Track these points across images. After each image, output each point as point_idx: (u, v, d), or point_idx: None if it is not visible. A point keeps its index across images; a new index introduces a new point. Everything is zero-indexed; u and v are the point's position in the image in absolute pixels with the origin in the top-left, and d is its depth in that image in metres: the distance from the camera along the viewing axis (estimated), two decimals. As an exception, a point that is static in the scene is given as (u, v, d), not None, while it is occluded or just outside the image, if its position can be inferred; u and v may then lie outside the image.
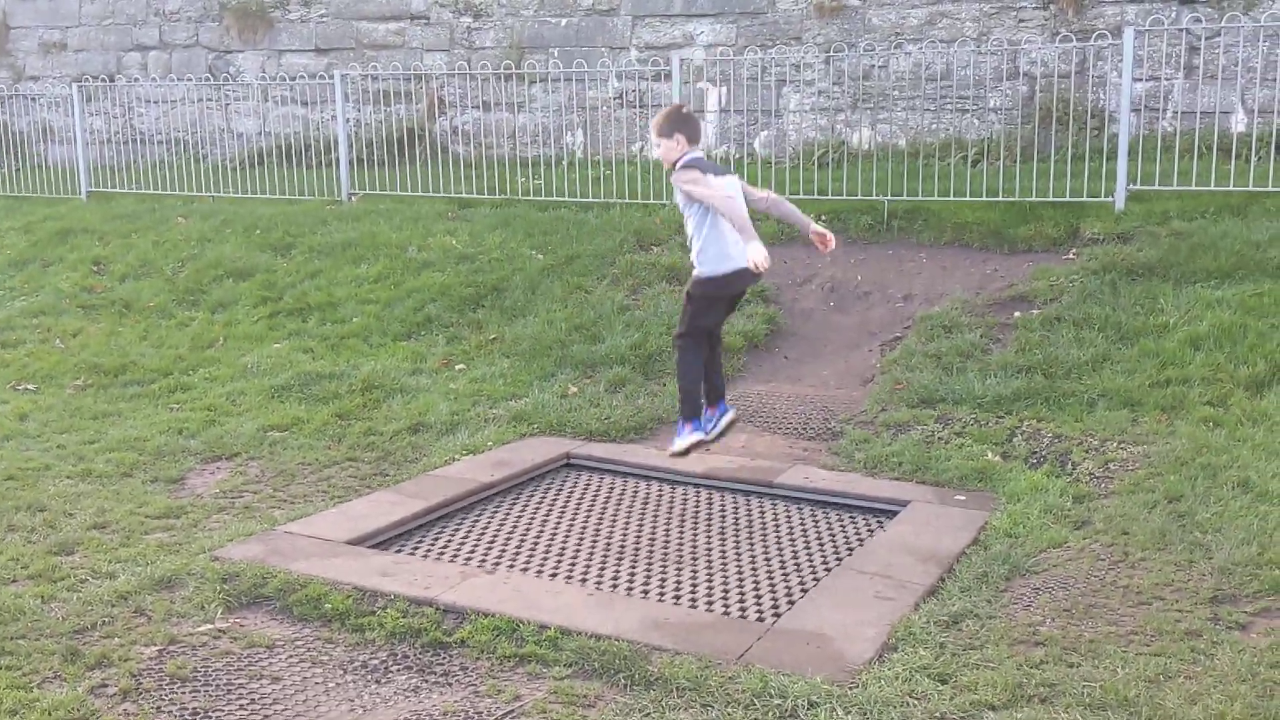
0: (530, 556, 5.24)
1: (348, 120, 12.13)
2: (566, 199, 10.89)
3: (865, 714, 3.67)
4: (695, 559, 5.19)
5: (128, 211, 12.18)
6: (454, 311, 8.85)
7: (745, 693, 3.79)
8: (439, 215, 10.86)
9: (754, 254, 5.14)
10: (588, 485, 6.22)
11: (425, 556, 5.23)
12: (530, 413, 7.04)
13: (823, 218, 9.63)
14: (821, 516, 5.72)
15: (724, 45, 12.79)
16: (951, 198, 9.47)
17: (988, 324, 7.64)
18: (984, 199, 9.37)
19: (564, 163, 12.23)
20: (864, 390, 7.29)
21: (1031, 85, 11.30)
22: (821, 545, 5.35)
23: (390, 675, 4.06)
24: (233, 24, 15.53)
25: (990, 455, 6.11)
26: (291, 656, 4.19)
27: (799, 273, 8.99)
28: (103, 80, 14.84)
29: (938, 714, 3.67)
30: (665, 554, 5.25)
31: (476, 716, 3.75)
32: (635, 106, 12.93)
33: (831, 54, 11.65)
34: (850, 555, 5.14)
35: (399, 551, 5.28)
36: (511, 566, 5.12)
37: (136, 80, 15.54)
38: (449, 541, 5.43)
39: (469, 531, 5.56)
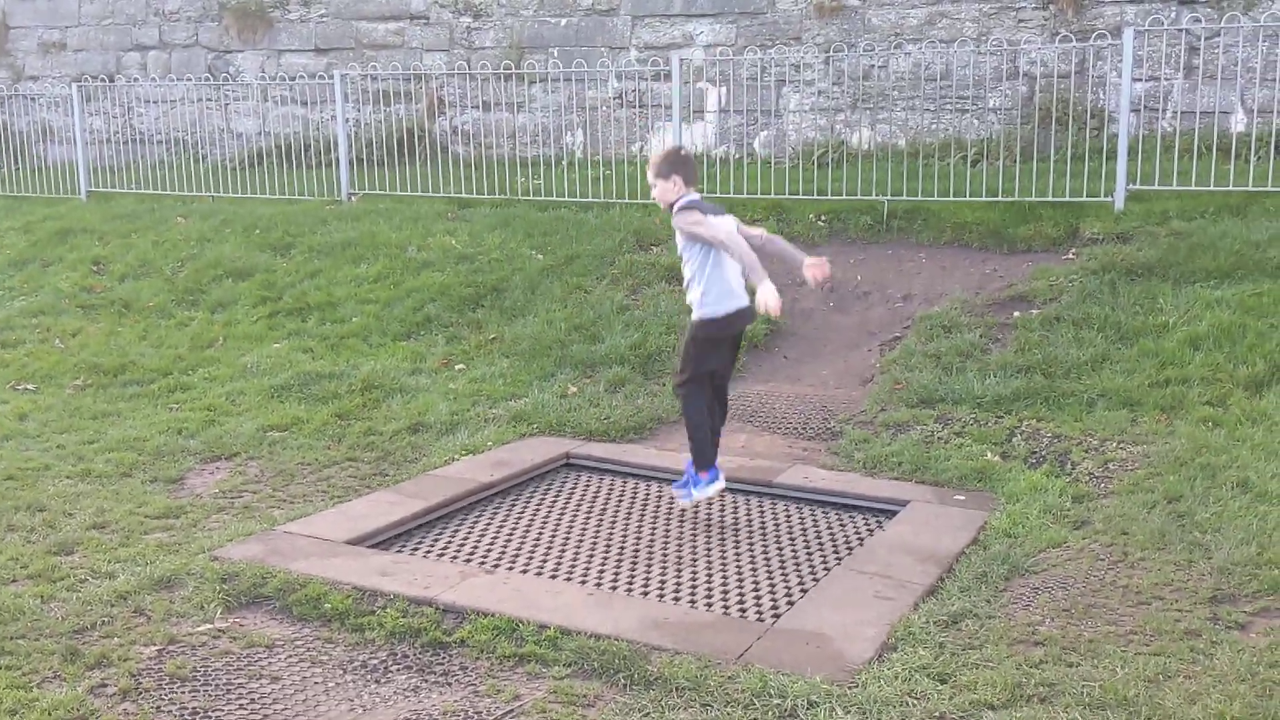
0: (530, 556, 5.24)
1: (347, 120, 12.13)
2: (566, 199, 10.89)
3: (865, 713, 3.67)
4: (695, 559, 5.19)
5: (127, 211, 12.18)
6: (454, 311, 8.85)
7: (745, 692, 3.79)
8: (438, 215, 10.87)
9: (767, 297, 5.00)
10: (587, 485, 6.22)
11: (425, 556, 5.23)
12: (530, 413, 7.04)
13: (822, 217, 9.64)
14: (821, 516, 5.72)
15: (724, 45, 12.79)
16: (951, 198, 9.47)
17: (987, 324, 7.64)
18: (983, 199, 9.37)
19: (564, 163, 12.23)
20: (863, 390, 7.29)
21: (1031, 85, 11.30)
22: (821, 545, 5.35)
23: (390, 675, 4.06)
24: (232, 24, 15.53)
25: (990, 455, 6.11)
26: (291, 656, 4.19)
27: (799, 272, 8.97)
28: (102, 80, 14.84)
29: (937, 713, 3.67)
30: (665, 554, 5.25)
31: (476, 716, 3.75)
32: (635, 106, 12.93)
33: (831, 54, 11.66)
34: (850, 555, 5.14)
35: (399, 551, 5.28)
36: (511, 566, 5.12)
37: (136, 80, 15.54)
38: (448, 541, 5.43)
39: (468, 531, 5.56)
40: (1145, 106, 10.82)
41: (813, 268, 5.35)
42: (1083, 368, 6.87)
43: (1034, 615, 4.35)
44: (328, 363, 8.10)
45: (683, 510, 5.75)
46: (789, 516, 5.72)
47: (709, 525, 5.58)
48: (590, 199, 10.81)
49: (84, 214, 12.16)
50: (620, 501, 5.95)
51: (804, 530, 5.54)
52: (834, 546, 5.33)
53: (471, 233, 10.19)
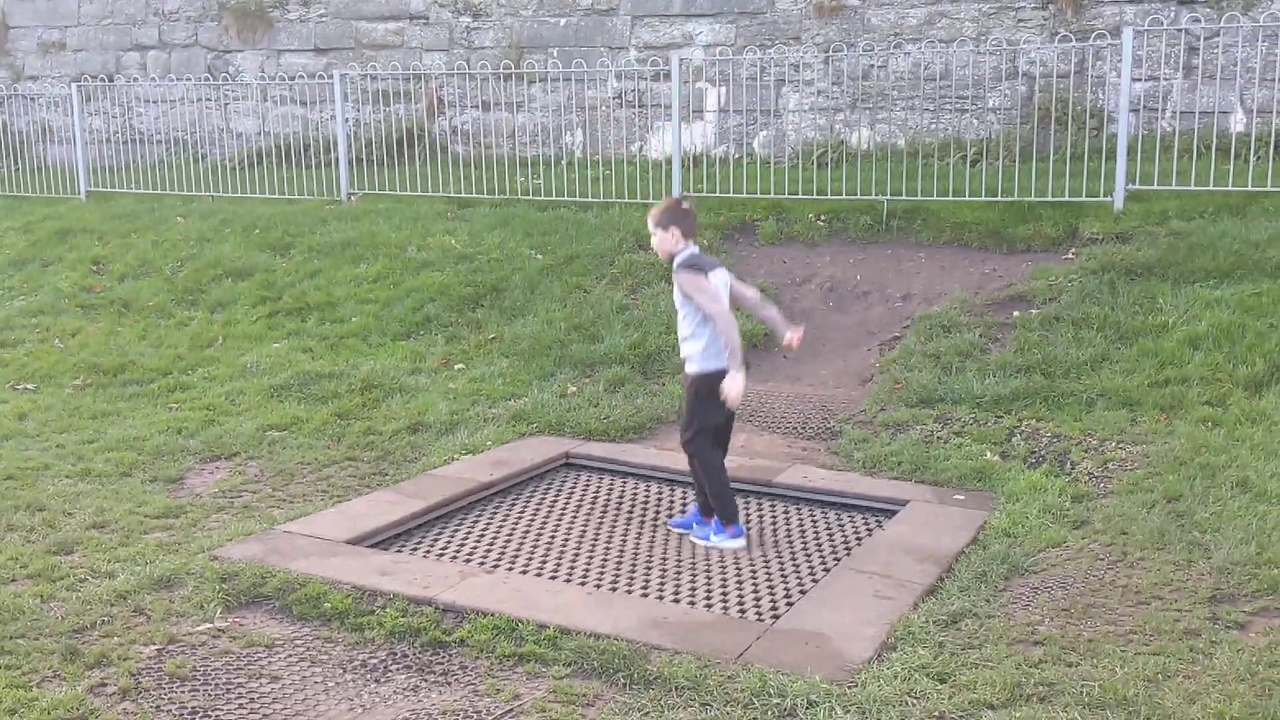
0: (529, 556, 5.24)
1: (347, 120, 12.13)
2: (566, 199, 10.89)
3: (864, 713, 3.67)
4: (694, 558, 5.19)
5: (127, 211, 12.18)
6: (453, 311, 8.85)
7: (744, 692, 3.79)
8: (438, 215, 10.87)
9: (730, 386, 5.05)
10: (587, 485, 6.22)
11: (424, 556, 5.23)
12: (529, 412, 7.05)
13: (822, 217, 9.64)
14: (820, 516, 5.72)
15: (723, 45, 12.79)
16: (950, 197, 9.47)
17: (986, 324, 7.64)
18: (983, 199, 9.37)
19: (563, 162, 12.23)
20: (863, 390, 7.30)
21: (1030, 85, 11.31)
22: (820, 545, 5.35)
23: (389, 674, 4.06)
24: (232, 24, 15.53)
25: (989, 455, 6.11)
26: (290, 656, 4.19)
27: (798, 272, 8.99)
28: (102, 80, 14.84)
29: (936, 713, 3.67)
30: (664, 553, 5.25)
31: (476, 715, 3.76)
32: (634, 106, 12.93)
33: (830, 54, 11.66)
34: (849, 555, 5.14)
35: (398, 551, 5.28)
36: (511, 566, 5.12)
37: (135, 80, 15.54)
38: (448, 541, 5.43)
39: (468, 531, 5.56)
40: (1145, 106, 10.82)
41: (792, 336, 5.44)
42: (1082, 367, 6.88)
43: (1033, 615, 4.35)
44: (327, 362, 8.10)
45: (681, 510, 5.75)
46: (788, 516, 5.72)
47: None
48: (590, 199, 10.81)
49: (83, 214, 12.16)
50: (620, 501, 5.95)
51: (803, 530, 5.54)
52: (833, 546, 5.33)
53: (471, 232, 10.19)
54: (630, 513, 5.77)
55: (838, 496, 5.84)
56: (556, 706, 3.78)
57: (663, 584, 4.90)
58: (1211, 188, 8.89)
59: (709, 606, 4.67)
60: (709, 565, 5.10)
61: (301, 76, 13.43)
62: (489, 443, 6.63)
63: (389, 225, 10.59)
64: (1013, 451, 6.15)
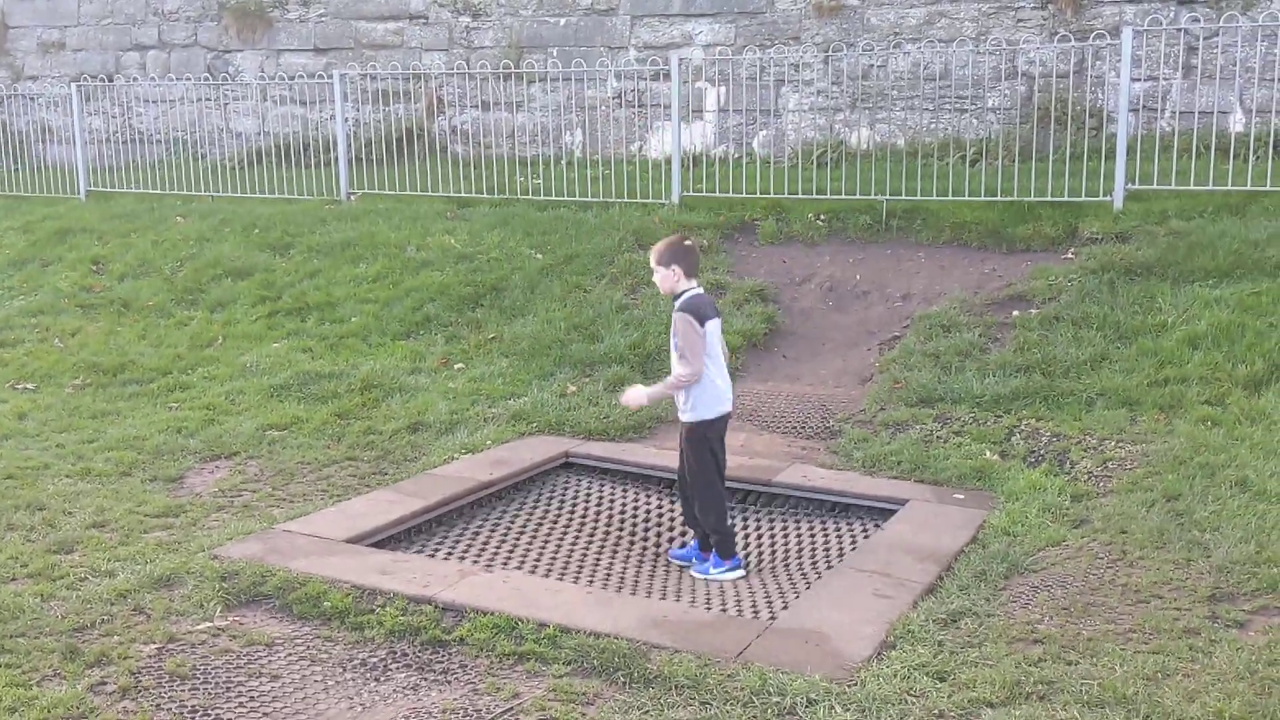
0: (529, 555, 5.24)
1: (346, 120, 12.13)
2: (565, 198, 10.89)
3: (864, 711, 3.68)
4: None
5: (126, 211, 12.18)
6: (453, 311, 8.85)
7: (744, 690, 3.80)
8: (438, 215, 10.87)
9: (630, 396, 5.23)
10: (587, 484, 6.22)
11: (424, 555, 5.24)
12: (529, 412, 7.05)
13: (821, 217, 9.65)
14: (820, 515, 5.73)
15: (723, 45, 12.79)
16: (950, 197, 9.47)
17: (986, 323, 7.64)
18: (982, 199, 9.38)
19: (563, 162, 12.23)
20: (862, 389, 7.30)
21: (1030, 85, 11.31)
22: (820, 544, 5.35)
23: (389, 673, 4.06)
24: (231, 24, 15.53)
25: (989, 454, 6.11)
26: (290, 654, 4.19)
27: (798, 272, 9.00)
28: (101, 80, 14.84)
29: (936, 711, 3.68)
30: (664, 552, 5.25)
31: (475, 714, 3.76)
32: (634, 106, 12.93)
33: (830, 54, 11.66)
34: (849, 554, 5.15)
35: (398, 550, 5.28)
36: (510, 565, 5.12)
37: (135, 80, 15.54)
38: (448, 540, 5.44)
39: (468, 530, 5.56)
40: (1144, 106, 10.83)
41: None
42: (1082, 367, 6.88)
43: (1033, 613, 4.35)
44: (327, 362, 8.10)
45: (682, 509, 5.74)
46: (788, 515, 5.72)
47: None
48: (589, 198, 10.81)
49: (83, 214, 12.16)
50: (619, 500, 5.96)
51: (803, 529, 5.54)
52: (833, 545, 5.34)
53: (471, 232, 10.19)
54: (629, 512, 5.78)
55: (837, 496, 5.85)
56: (556, 705, 3.78)
57: (663, 583, 4.90)
58: (1211, 187, 8.89)
59: (708, 605, 4.67)
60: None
61: (301, 76, 13.43)
62: (489, 442, 6.63)
63: (388, 225, 10.59)
64: (1012, 451, 6.15)
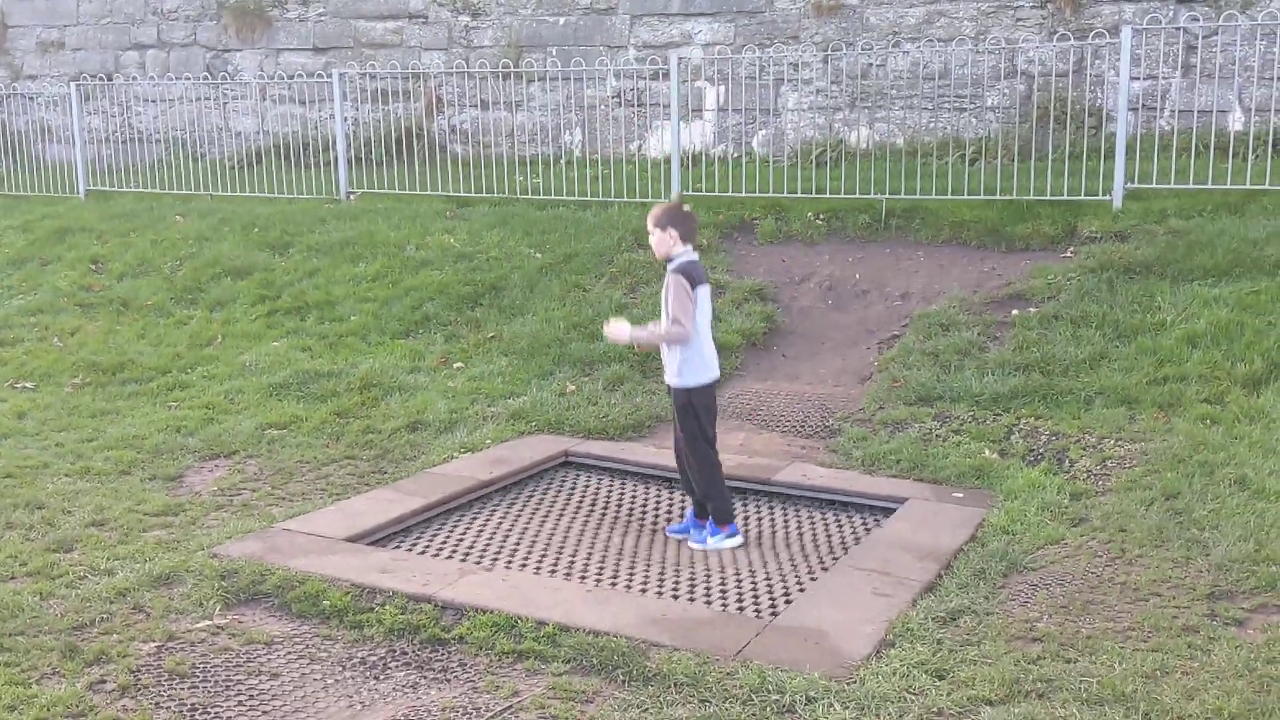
0: (528, 553, 5.24)
1: (346, 119, 12.13)
2: (565, 197, 10.89)
3: (863, 709, 3.68)
4: (693, 556, 5.19)
5: (126, 210, 12.18)
6: (452, 310, 8.85)
7: (743, 688, 3.80)
8: (437, 214, 10.87)
9: (615, 330, 5.27)
10: (586, 483, 6.23)
11: (424, 553, 5.24)
12: (528, 411, 7.05)
13: (821, 216, 9.65)
14: (819, 514, 5.73)
15: (722, 44, 12.79)
16: (949, 196, 9.48)
17: (985, 322, 7.64)
18: (981, 197, 9.38)
19: (562, 161, 12.23)
20: (862, 388, 7.30)
21: (1029, 84, 11.31)
22: (819, 542, 5.36)
23: (389, 671, 4.06)
24: (231, 23, 15.53)
25: (988, 453, 6.12)
26: (290, 653, 4.19)
27: (797, 271, 9.00)
28: (101, 79, 14.83)
29: (935, 709, 3.68)
30: (663, 551, 5.25)
31: (475, 712, 3.76)
32: (633, 105, 12.93)
33: (829, 53, 11.66)
34: (848, 552, 5.15)
35: (397, 549, 5.28)
36: (510, 563, 5.12)
37: (134, 79, 15.54)
38: (447, 539, 5.44)
39: (467, 529, 5.56)
40: (1143, 105, 10.83)
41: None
42: (1081, 366, 6.88)
43: (1032, 612, 4.36)
44: (326, 361, 8.10)
45: (681, 508, 5.75)
46: (787, 514, 5.73)
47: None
48: (589, 197, 10.81)
49: (82, 213, 12.15)
50: (619, 499, 5.96)
51: (802, 527, 5.54)
52: (832, 544, 5.34)
53: (470, 231, 10.19)
54: (629, 511, 5.78)
55: (837, 494, 5.85)
56: (556, 703, 3.78)
57: (661, 581, 4.91)
58: (1210, 186, 8.89)
59: (708, 603, 4.67)
60: (708, 562, 5.11)
61: (300, 76, 13.43)
62: (488, 441, 6.63)
63: (388, 224, 10.59)
64: (1011, 449, 6.15)
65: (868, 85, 11.85)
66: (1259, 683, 3.74)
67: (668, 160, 10.79)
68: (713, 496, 5.28)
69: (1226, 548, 4.75)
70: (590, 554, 5.22)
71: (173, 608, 4.50)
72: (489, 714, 3.74)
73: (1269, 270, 7.53)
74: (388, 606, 4.45)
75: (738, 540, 5.30)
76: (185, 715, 3.75)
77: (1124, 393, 6.52)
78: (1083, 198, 9.10)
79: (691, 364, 5.21)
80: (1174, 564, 4.70)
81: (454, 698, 3.85)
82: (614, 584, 4.88)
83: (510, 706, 3.78)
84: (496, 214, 10.61)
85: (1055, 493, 5.50)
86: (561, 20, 13.68)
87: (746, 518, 5.65)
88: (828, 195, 9.89)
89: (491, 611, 4.36)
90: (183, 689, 3.91)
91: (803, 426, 6.86)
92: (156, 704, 3.81)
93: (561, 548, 5.31)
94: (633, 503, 5.90)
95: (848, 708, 3.68)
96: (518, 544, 5.35)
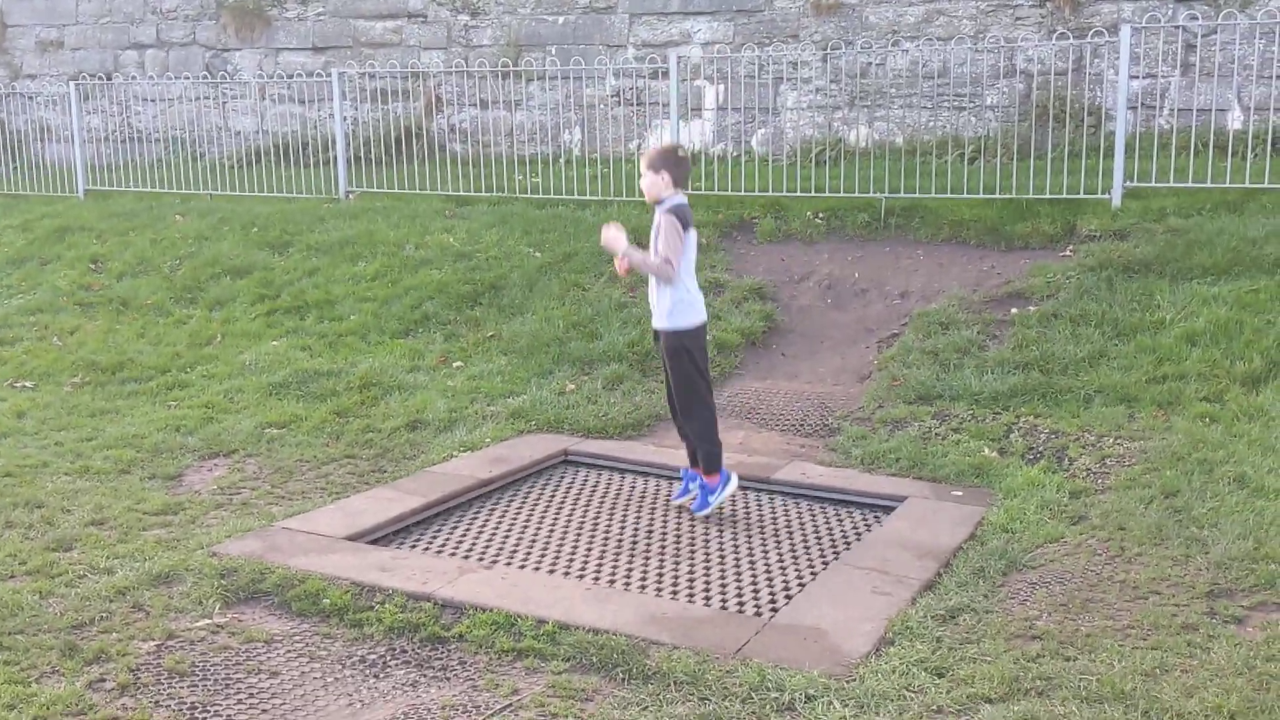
0: (528, 552, 5.24)
1: (345, 118, 12.12)
2: (564, 196, 10.89)
3: (862, 707, 3.68)
4: (693, 554, 5.19)
5: (125, 209, 12.18)
6: (451, 309, 8.86)
7: (743, 686, 3.80)
8: (436, 213, 10.87)
9: (612, 238, 5.30)
10: (585, 482, 6.23)
11: (423, 552, 5.24)
12: (528, 410, 7.05)
13: (820, 215, 9.65)
14: (818, 512, 5.73)
15: (721, 43, 12.79)
16: (949, 195, 9.48)
17: (985, 321, 7.65)
18: (981, 196, 9.38)
19: (561, 160, 12.22)
20: (861, 387, 7.30)
21: (1028, 83, 11.31)
22: (819, 541, 5.36)
23: (388, 670, 4.06)
24: (230, 22, 15.52)
25: (987, 451, 6.12)
26: (290, 651, 4.19)
27: (796, 270, 9.00)
28: (100, 78, 14.83)
29: (934, 707, 3.68)
30: (663, 549, 5.26)
31: (474, 710, 3.76)
32: (633, 104, 12.93)
33: (829, 52, 11.66)
34: (847, 551, 5.15)
35: (397, 547, 5.28)
36: (509, 562, 5.12)
37: (134, 78, 15.53)
38: (447, 537, 5.44)
39: (467, 527, 5.56)
40: (1142, 104, 10.83)
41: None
42: (1080, 364, 6.88)
43: (1031, 610, 4.36)
44: (326, 360, 8.10)
45: (680, 507, 5.75)
46: (787, 512, 5.73)
47: (707, 521, 5.58)
48: (588, 196, 10.81)
49: (82, 212, 12.15)
50: (618, 498, 5.96)
51: (801, 526, 5.54)
52: (831, 542, 5.34)
53: (469, 230, 10.19)
54: (628, 509, 5.78)
55: (836, 493, 5.85)
56: (555, 701, 3.78)
57: (661, 579, 4.91)
58: (1209, 185, 8.90)
59: (707, 602, 4.67)
60: (707, 561, 5.11)
61: (300, 75, 13.42)
62: (487, 440, 6.63)
63: (387, 223, 10.59)
64: (1011, 448, 6.16)
65: (867, 84, 11.85)
66: (1258, 680, 3.74)
67: (667, 159, 10.76)
68: (705, 440, 5.42)
69: (1226, 546, 4.75)
70: (589, 552, 5.23)
71: (172, 606, 4.50)
72: (489, 712, 3.74)
73: (1268, 269, 7.53)
74: (387, 605, 4.45)
75: (733, 485, 5.52)
76: (185, 714, 3.75)
77: (1123, 391, 6.53)
78: (1082, 196, 9.11)
79: (682, 305, 5.33)
80: (1173, 562, 4.70)
81: (453, 696, 3.85)
82: (613, 582, 4.89)
83: (510, 705, 3.78)
84: (496, 213, 10.61)
85: (1054, 491, 5.50)
86: (560, 19, 13.68)
87: (748, 516, 5.65)
88: (827, 194, 9.90)
89: (491, 610, 4.36)
90: (182, 687, 3.91)
91: (802, 425, 6.86)
92: (156, 703, 3.81)
93: (561, 546, 5.31)
94: (632, 501, 5.90)
95: (847, 705, 3.68)
96: (517, 543, 5.35)
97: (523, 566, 5.07)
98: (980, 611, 4.34)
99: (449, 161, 12.19)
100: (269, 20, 15.34)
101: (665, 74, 11.24)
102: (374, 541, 5.28)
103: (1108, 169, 9.23)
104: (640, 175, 5.41)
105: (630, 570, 5.02)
